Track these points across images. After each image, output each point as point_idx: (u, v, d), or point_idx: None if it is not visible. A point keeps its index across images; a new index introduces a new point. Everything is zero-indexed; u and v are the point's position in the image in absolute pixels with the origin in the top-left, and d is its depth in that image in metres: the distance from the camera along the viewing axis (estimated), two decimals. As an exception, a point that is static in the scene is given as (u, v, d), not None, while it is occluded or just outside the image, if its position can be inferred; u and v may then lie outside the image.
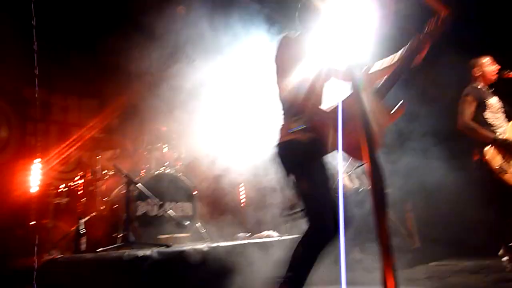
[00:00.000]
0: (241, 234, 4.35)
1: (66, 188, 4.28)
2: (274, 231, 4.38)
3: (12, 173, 4.57)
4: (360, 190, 4.68)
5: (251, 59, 4.04)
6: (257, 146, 4.63)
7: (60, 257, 2.98)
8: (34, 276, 2.89)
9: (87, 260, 3.01)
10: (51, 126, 5.21)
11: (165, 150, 4.38)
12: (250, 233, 4.46)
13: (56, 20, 4.71)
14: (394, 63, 2.10)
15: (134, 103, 4.57)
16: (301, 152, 1.91)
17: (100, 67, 5.17)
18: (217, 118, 4.49)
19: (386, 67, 2.14)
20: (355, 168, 4.85)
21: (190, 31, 3.93)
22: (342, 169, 4.76)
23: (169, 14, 3.98)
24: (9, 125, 4.98)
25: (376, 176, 1.12)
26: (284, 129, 2.03)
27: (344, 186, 4.95)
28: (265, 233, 4.24)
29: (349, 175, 5.00)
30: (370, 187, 1.12)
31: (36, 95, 4.88)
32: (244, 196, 5.64)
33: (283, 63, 2.04)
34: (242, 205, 5.39)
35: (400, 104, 2.02)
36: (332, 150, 1.93)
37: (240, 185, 5.46)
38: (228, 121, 4.52)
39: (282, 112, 2.11)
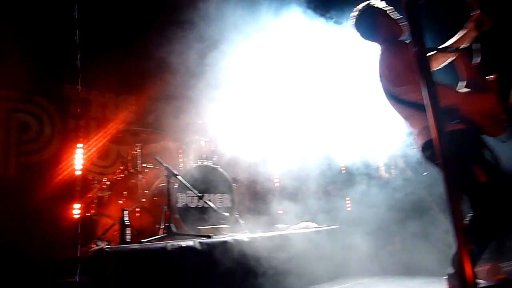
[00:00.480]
0: (279, 225, 4.35)
1: (108, 182, 4.40)
2: (311, 222, 4.36)
3: (57, 167, 4.77)
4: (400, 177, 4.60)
5: (288, 49, 4.02)
6: (292, 137, 4.64)
7: (107, 247, 3.07)
8: (80, 266, 3.03)
9: (133, 250, 3.09)
10: (90, 122, 5.38)
11: (202, 143, 4.42)
12: (287, 225, 4.45)
13: (92, 17, 4.85)
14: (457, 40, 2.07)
15: (171, 97, 4.64)
16: (467, 142, 1.91)
17: (136, 63, 5.28)
18: (253, 110, 4.50)
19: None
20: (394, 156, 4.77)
21: (226, 22, 3.94)
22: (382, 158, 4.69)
23: (205, 5, 4.00)
24: (52, 122, 5.18)
25: (445, 156, 1.08)
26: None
27: (380, 176, 4.86)
28: (303, 224, 4.23)
29: (386, 165, 4.90)
30: (440, 168, 1.08)
31: (77, 92, 5.06)
32: (279, 187, 5.65)
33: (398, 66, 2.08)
34: (277, 196, 5.40)
35: (492, 76, 1.99)
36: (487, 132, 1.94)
37: (276, 177, 5.47)
38: (263, 113, 4.52)
39: (417, 111, 2.10)
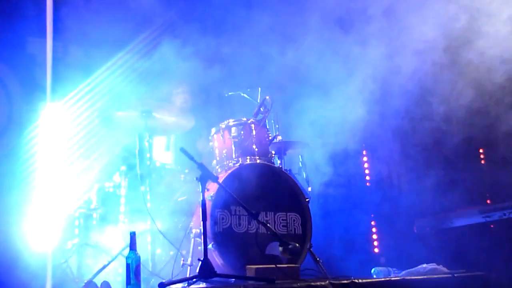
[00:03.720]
0: (381, 269, 4.28)
1: (101, 190, 4.55)
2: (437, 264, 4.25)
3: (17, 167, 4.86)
4: None
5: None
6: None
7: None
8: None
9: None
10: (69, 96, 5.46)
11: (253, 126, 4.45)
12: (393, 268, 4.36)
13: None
14: None
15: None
16: None
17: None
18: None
19: None
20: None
21: None
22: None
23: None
24: (9, 97, 5.30)
25: None
26: None
27: None
28: (426, 266, 4.11)
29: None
30: None
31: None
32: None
33: None
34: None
35: None
36: None
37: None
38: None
39: None
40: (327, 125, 5.16)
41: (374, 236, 5.77)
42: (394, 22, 5.00)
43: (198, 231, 3.86)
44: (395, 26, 5.02)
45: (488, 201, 5.65)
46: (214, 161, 4.57)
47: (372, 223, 5.82)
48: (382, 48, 5.03)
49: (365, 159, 6.07)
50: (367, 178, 5.95)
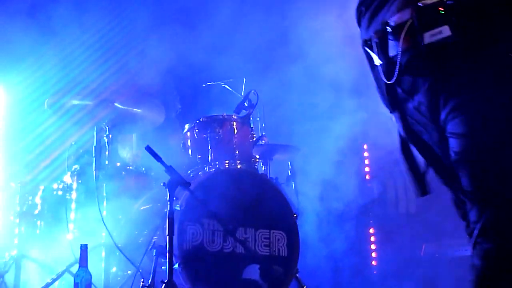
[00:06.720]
0: None
1: (47, 195, 4.56)
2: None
3: None
4: None
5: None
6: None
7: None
8: None
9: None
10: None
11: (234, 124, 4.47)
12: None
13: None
14: None
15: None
16: None
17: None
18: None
19: None
20: None
21: None
22: None
23: None
24: None
25: None
26: None
27: None
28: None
29: None
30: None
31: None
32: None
33: None
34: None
35: None
36: None
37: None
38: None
39: None
40: (323, 128, 5.13)
41: (374, 262, 5.80)
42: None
43: (163, 247, 3.80)
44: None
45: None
46: (186, 164, 4.56)
47: (372, 246, 5.85)
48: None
49: (367, 169, 6.13)
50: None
